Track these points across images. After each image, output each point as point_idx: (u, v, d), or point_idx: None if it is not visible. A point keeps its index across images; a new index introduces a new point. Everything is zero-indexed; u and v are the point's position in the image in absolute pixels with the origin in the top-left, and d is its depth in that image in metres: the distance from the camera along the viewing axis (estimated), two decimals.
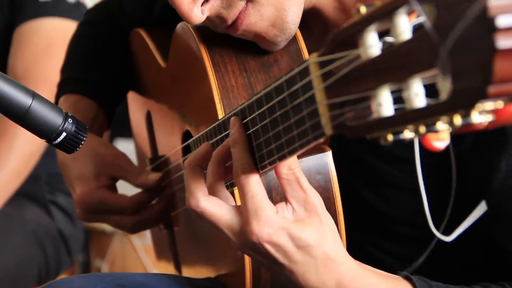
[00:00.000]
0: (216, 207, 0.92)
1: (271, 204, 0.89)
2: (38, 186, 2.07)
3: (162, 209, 1.35)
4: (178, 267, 1.45)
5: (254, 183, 0.89)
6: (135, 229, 1.34)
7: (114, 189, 1.34)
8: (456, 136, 1.04)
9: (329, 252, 0.89)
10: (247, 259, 1.06)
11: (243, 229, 0.89)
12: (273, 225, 0.87)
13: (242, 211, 0.90)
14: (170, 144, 1.35)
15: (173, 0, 1.04)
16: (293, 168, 0.89)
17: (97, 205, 1.30)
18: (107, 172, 1.32)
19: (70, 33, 1.56)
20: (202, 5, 1.04)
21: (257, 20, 1.05)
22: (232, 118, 0.93)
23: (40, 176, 2.06)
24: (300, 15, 1.08)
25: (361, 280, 0.92)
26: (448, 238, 1.07)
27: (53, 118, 0.97)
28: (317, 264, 0.89)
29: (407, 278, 0.99)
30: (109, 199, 1.30)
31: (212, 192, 0.94)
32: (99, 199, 1.30)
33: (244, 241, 0.90)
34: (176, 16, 1.13)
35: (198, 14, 1.04)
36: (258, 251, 0.90)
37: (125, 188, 1.38)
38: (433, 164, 1.08)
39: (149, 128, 1.50)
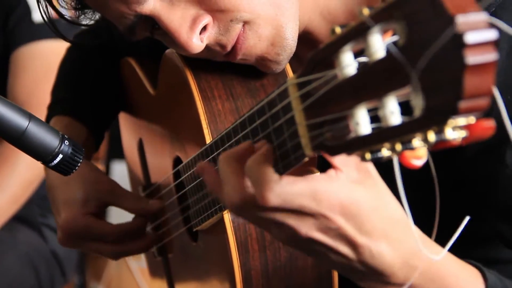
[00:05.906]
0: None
1: (317, 178, 0.79)
2: (30, 209, 2.07)
3: (146, 245, 1.35)
4: None
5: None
6: (117, 256, 1.34)
7: (101, 216, 1.33)
8: (457, 149, 1.04)
9: (394, 214, 0.83)
10: (238, 279, 1.06)
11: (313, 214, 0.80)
12: (339, 195, 0.79)
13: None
14: (161, 171, 1.35)
15: (171, 30, 1.03)
16: None
17: (81, 231, 1.29)
18: (97, 198, 1.31)
19: None
20: (200, 33, 1.04)
21: (255, 41, 1.05)
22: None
23: (32, 199, 2.06)
24: (297, 30, 1.07)
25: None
26: (437, 257, 1.06)
27: (50, 140, 0.98)
28: (386, 230, 0.82)
29: (476, 267, 0.93)
30: (94, 226, 1.29)
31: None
32: (84, 225, 1.29)
33: (311, 227, 0.81)
34: (161, 43, 1.13)
35: (197, 42, 1.03)
36: (327, 229, 0.81)
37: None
38: (415, 179, 1.08)
39: (141, 156, 1.50)
